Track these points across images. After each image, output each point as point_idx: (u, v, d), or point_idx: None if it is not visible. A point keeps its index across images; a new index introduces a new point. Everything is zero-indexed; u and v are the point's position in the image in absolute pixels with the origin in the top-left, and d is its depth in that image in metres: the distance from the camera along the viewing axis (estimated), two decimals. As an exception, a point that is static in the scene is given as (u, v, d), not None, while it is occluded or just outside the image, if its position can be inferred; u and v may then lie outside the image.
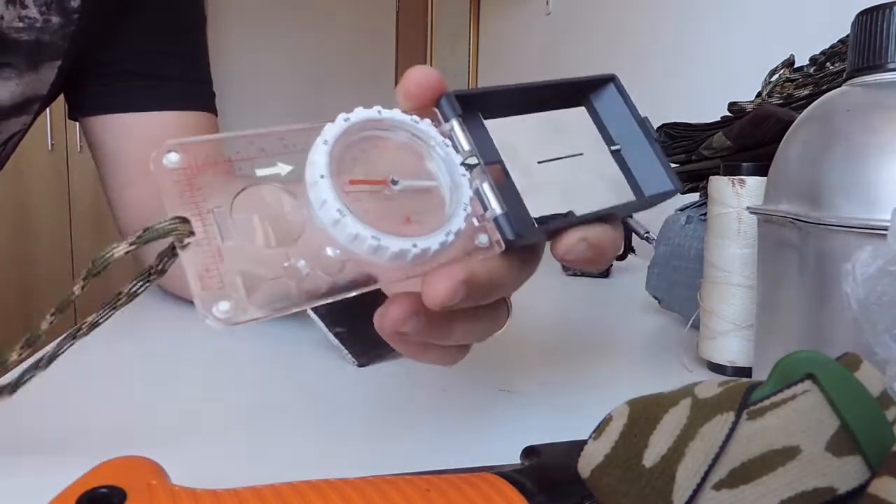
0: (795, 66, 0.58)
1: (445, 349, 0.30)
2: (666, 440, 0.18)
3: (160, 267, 0.25)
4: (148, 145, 0.66)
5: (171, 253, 0.24)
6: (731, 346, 0.44)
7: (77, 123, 0.62)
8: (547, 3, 1.77)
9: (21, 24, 0.50)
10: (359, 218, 0.23)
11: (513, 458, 0.27)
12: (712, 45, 1.07)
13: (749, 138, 0.48)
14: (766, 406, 0.17)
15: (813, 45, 0.56)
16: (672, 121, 0.61)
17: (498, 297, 0.29)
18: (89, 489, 0.19)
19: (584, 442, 0.20)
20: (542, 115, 0.31)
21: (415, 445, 0.32)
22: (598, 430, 0.20)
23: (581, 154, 0.31)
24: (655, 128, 0.61)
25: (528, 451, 0.27)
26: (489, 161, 0.27)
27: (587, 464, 0.19)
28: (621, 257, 0.89)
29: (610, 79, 0.32)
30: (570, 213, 0.29)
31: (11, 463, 0.29)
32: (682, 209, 0.61)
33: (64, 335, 0.26)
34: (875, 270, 0.22)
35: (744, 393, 0.18)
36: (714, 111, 0.59)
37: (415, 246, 0.24)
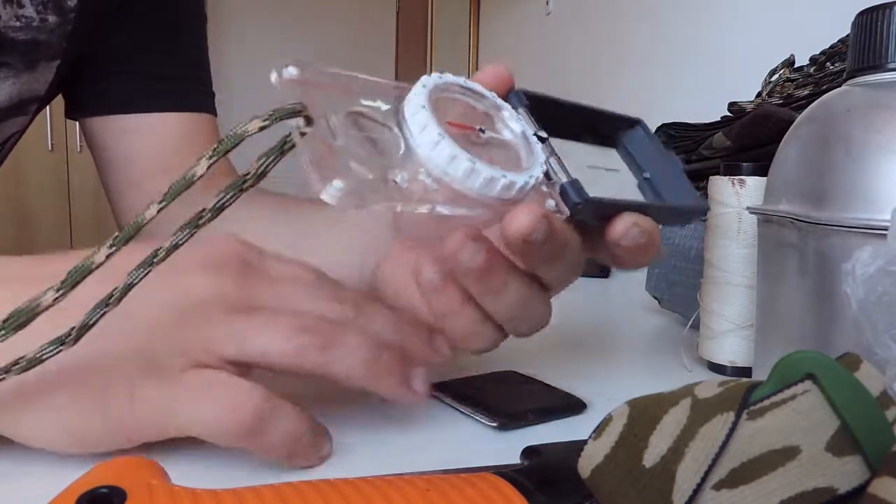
0: (795, 66, 0.58)
1: (483, 319, 0.31)
2: (666, 440, 0.18)
3: (261, 169, 0.24)
4: (149, 147, 0.66)
5: (281, 149, 0.24)
6: (731, 346, 0.44)
7: (77, 123, 0.62)
8: (547, 3, 1.77)
9: (18, 24, 0.50)
10: (468, 151, 0.25)
11: (513, 458, 0.27)
12: (712, 45, 1.07)
13: (749, 138, 0.48)
14: (766, 406, 0.17)
15: (813, 45, 0.56)
16: (672, 121, 0.61)
17: (563, 262, 0.30)
18: (89, 489, 0.19)
19: (584, 442, 0.20)
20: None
21: (415, 445, 0.32)
22: (598, 431, 0.20)
23: (618, 170, 0.34)
24: (655, 128, 0.61)
25: (528, 451, 0.27)
26: (551, 152, 0.30)
27: (587, 464, 0.19)
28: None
29: (637, 121, 0.36)
30: None
31: (12, 463, 0.29)
32: (682, 209, 0.61)
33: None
34: (875, 270, 0.22)
35: (744, 393, 0.18)
36: (714, 111, 0.59)
37: (504, 176, 0.26)
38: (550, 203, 0.28)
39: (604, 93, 1.42)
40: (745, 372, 0.43)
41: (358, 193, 0.23)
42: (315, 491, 0.21)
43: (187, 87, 0.61)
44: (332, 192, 0.22)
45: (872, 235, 0.27)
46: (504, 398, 0.36)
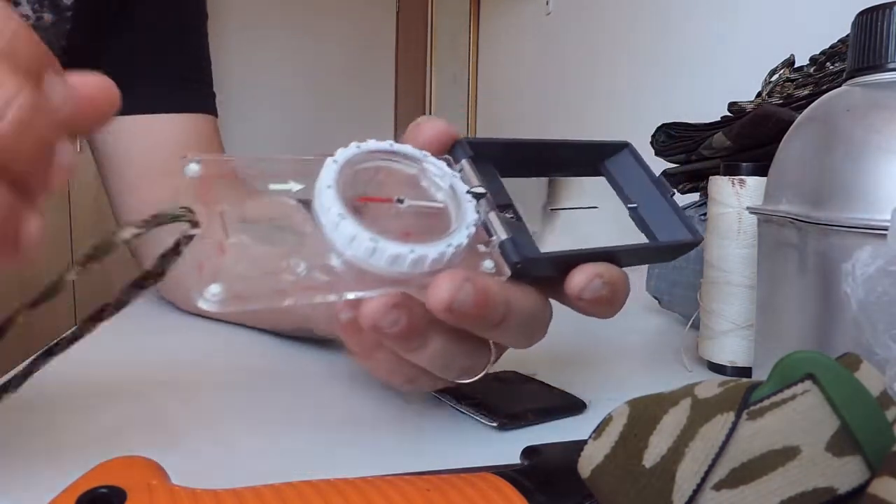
0: (795, 66, 0.58)
1: (402, 361, 0.29)
2: (666, 440, 0.18)
3: (161, 268, 0.24)
4: (149, 148, 0.65)
5: (175, 251, 0.24)
6: (731, 346, 0.44)
7: None
8: (547, 3, 1.77)
9: None
10: (369, 229, 0.24)
11: (513, 458, 0.27)
12: (712, 45, 1.07)
13: (749, 138, 0.48)
14: (766, 406, 0.17)
15: (813, 45, 0.56)
16: (672, 121, 0.61)
17: (509, 323, 0.27)
18: (89, 489, 0.19)
19: (584, 442, 0.20)
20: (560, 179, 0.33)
21: (414, 445, 0.32)
22: (598, 431, 0.20)
23: (595, 208, 0.33)
24: (656, 127, 0.61)
25: (528, 451, 0.27)
26: (499, 203, 0.28)
27: (587, 464, 0.19)
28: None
29: (624, 145, 0.34)
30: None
31: (12, 463, 0.29)
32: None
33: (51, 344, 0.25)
34: (875, 270, 0.22)
35: (744, 393, 0.18)
36: (714, 111, 0.59)
37: (412, 251, 0.25)
38: (487, 264, 0.27)
39: (604, 93, 1.43)
40: (745, 372, 0.43)
41: (241, 296, 0.22)
42: (315, 491, 0.21)
43: (186, 89, 0.61)
44: (208, 297, 0.22)
45: (872, 235, 0.27)
46: (504, 398, 0.36)
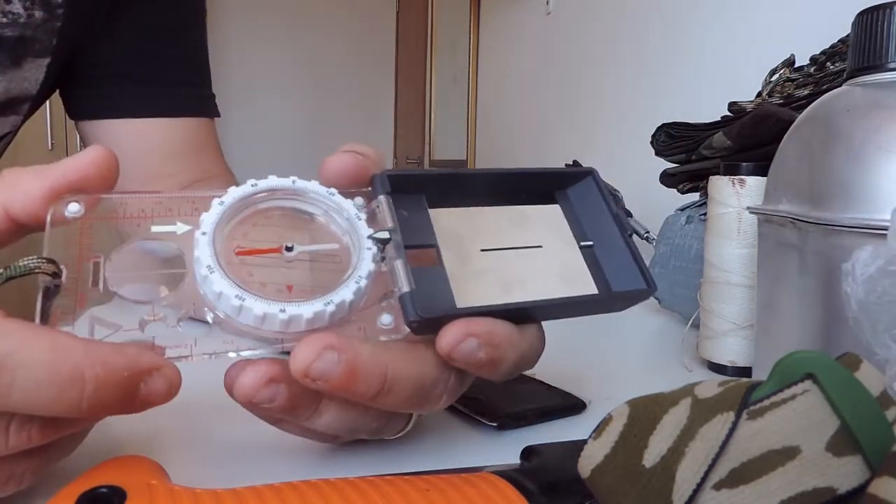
0: (795, 66, 0.58)
1: (313, 431, 0.27)
2: (666, 440, 0.18)
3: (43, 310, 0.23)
4: (143, 153, 0.64)
5: (46, 294, 0.23)
6: (731, 346, 0.44)
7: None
8: (547, 3, 1.77)
9: (5, 20, 0.49)
10: (234, 279, 0.23)
11: (513, 458, 0.27)
12: (712, 45, 1.07)
13: (749, 138, 0.48)
14: (766, 406, 0.17)
15: (813, 45, 0.56)
16: (672, 121, 0.61)
17: (373, 398, 0.24)
18: (89, 489, 0.19)
19: (584, 442, 0.20)
20: (507, 208, 0.29)
21: (414, 445, 0.32)
22: (598, 430, 0.20)
23: (539, 247, 0.29)
24: (655, 128, 0.61)
25: (528, 451, 0.27)
26: (421, 244, 0.26)
27: (587, 464, 0.19)
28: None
29: (588, 172, 0.30)
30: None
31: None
32: (682, 209, 0.61)
33: None
34: (875, 270, 0.22)
35: (744, 393, 0.18)
36: (714, 111, 0.59)
37: (282, 311, 0.23)
38: (385, 319, 0.25)
39: (604, 93, 1.43)
40: (745, 372, 0.43)
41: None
42: (315, 491, 0.21)
43: (181, 92, 0.60)
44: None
45: (872, 235, 0.27)
46: (504, 398, 0.36)
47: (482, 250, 0.27)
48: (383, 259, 0.25)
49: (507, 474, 0.23)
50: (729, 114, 0.55)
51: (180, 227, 0.24)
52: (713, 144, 0.52)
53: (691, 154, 0.57)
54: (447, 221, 0.27)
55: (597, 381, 0.42)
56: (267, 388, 0.23)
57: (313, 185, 0.26)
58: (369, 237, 0.25)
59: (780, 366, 0.18)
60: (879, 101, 0.29)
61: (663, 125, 0.61)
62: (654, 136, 0.62)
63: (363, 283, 0.24)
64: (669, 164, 0.63)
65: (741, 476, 0.17)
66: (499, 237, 0.28)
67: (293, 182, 0.26)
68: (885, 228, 0.24)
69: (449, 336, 0.24)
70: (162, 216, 0.24)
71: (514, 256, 0.28)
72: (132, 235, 0.24)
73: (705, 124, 0.56)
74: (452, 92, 2.76)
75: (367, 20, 3.20)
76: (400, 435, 0.30)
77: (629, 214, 0.88)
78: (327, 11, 3.13)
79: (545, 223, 0.30)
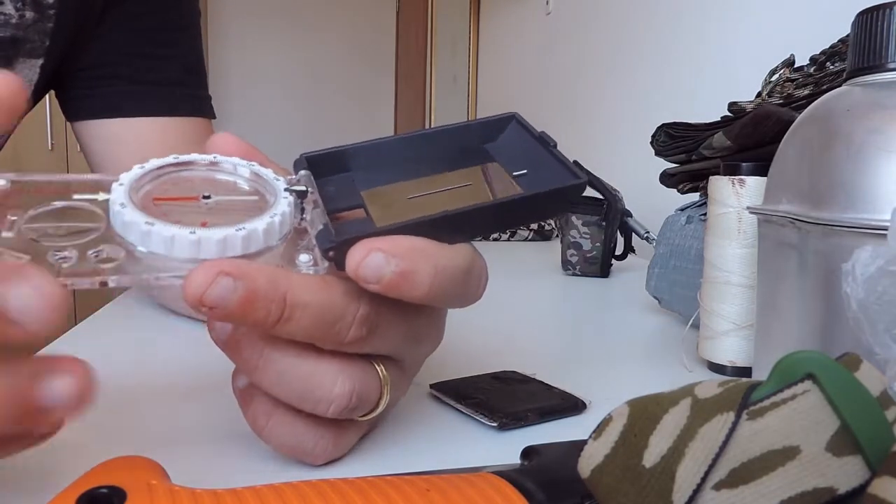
0: (795, 66, 0.58)
1: (298, 423, 0.27)
2: (666, 440, 0.18)
3: None
4: (138, 152, 0.65)
5: None
6: (731, 346, 0.44)
7: None
8: (547, 3, 1.77)
9: None
10: (146, 213, 0.24)
11: (513, 458, 0.27)
12: (712, 45, 1.07)
13: (749, 138, 0.48)
14: (766, 406, 0.17)
15: (813, 45, 0.56)
16: (672, 121, 0.61)
17: (273, 324, 0.23)
18: (89, 489, 0.19)
19: (584, 442, 0.20)
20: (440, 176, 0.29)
21: (414, 445, 0.32)
22: (598, 430, 0.20)
23: (469, 184, 0.29)
24: (655, 128, 0.61)
25: (528, 451, 0.27)
26: (347, 206, 0.27)
27: (587, 464, 0.19)
28: (621, 257, 0.89)
29: (511, 117, 0.31)
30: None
31: (11, 463, 0.29)
32: (682, 209, 0.61)
33: None
34: (875, 270, 0.22)
35: (744, 393, 0.18)
36: (714, 111, 0.59)
37: (192, 233, 0.23)
38: (303, 258, 0.25)
39: (604, 93, 1.43)
40: (745, 372, 0.43)
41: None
42: (315, 491, 0.21)
43: (176, 92, 0.60)
44: None
45: (872, 235, 0.27)
46: (504, 398, 0.36)
47: (409, 198, 0.28)
48: (303, 215, 0.26)
49: (507, 474, 0.23)
50: (729, 114, 0.55)
51: (101, 196, 0.25)
52: (713, 144, 0.52)
53: (691, 154, 0.57)
54: (376, 191, 0.28)
55: (597, 381, 0.42)
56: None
57: (234, 159, 0.28)
58: (286, 189, 0.26)
59: (780, 366, 0.18)
60: (879, 101, 0.29)
61: (663, 125, 0.61)
62: (654, 136, 0.62)
63: (276, 218, 0.25)
64: (669, 164, 0.63)
65: (741, 476, 0.17)
66: (427, 187, 0.29)
67: (214, 157, 0.27)
68: (885, 228, 0.24)
69: (355, 254, 0.23)
70: (85, 191, 0.25)
71: (444, 195, 0.28)
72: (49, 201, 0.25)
73: (705, 124, 0.56)
74: (452, 92, 2.77)
75: (367, 20, 3.20)
76: (375, 413, 0.28)
77: (629, 214, 0.88)
78: (327, 11, 3.13)
79: (476, 170, 0.30)
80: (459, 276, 0.26)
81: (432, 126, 0.30)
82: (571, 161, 0.28)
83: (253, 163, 0.28)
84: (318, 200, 0.26)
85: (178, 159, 0.27)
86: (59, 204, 0.25)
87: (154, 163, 0.26)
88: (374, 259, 0.23)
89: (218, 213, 0.25)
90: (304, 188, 0.26)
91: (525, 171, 0.29)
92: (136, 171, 0.26)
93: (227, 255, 0.24)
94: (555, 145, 0.29)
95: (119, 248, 0.24)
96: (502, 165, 0.30)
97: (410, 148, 0.29)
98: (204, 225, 0.24)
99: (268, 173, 0.27)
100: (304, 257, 0.25)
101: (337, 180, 0.28)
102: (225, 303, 0.22)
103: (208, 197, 0.26)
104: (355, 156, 0.29)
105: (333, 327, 0.25)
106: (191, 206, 0.25)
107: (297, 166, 0.28)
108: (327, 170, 0.28)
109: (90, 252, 0.23)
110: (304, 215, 0.26)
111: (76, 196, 0.25)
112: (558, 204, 0.29)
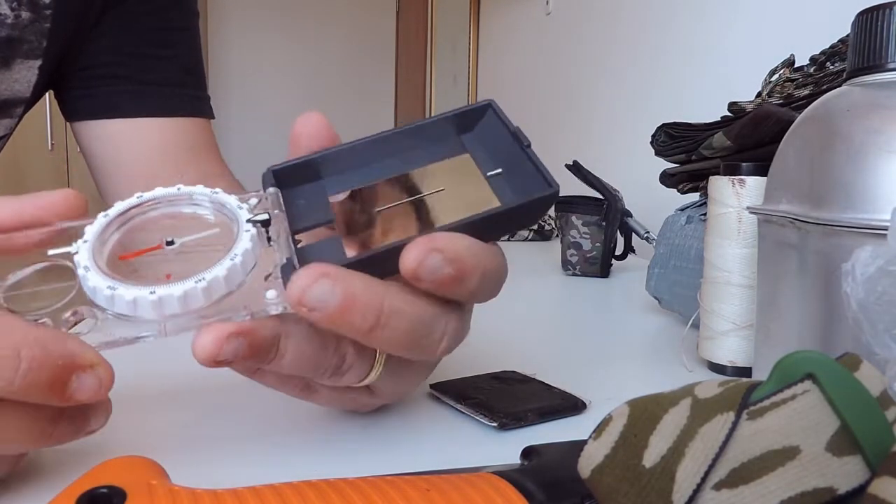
0: (795, 66, 0.58)
1: (286, 378, 0.28)
2: (666, 440, 0.18)
3: None
4: (137, 153, 0.64)
5: None
6: (731, 346, 0.44)
7: None
8: (547, 3, 1.77)
9: None
10: (111, 275, 0.24)
11: (513, 458, 0.27)
12: (712, 45, 1.07)
13: (749, 138, 0.48)
14: (766, 406, 0.17)
15: (813, 45, 0.56)
16: (672, 121, 0.61)
17: (391, 331, 0.24)
18: (89, 489, 0.19)
19: (584, 442, 0.20)
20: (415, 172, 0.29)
21: (414, 445, 0.32)
22: (598, 431, 0.20)
23: (442, 190, 0.29)
24: (656, 127, 0.61)
25: (528, 451, 0.27)
26: (317, 223, 0.27)
27: (587, 464, 0.19)
28: (621, 257, 0.89)
29: (487, 106, 0.30)
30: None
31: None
32: (682, 209, 0.61)
33: None
34: (875, 270, 0.22)
35: (744, 393, 0.18)
36: (714, 111, 0.59)
37: (152, 293, 0.24)
38: (269, 295, 0.25)
39: (604, 93, 1.43)
40: (745, 372, 0.43)
41: None
42: (315, 491, 0.21)
43: (175, 93, 0.59)
44: None
45: (872, 235, 0.27)
46: (504, 398, 0.36)
47: (377, 211, 0.28)
48: (270, 241, 0.26)
49: (507, 474, 0.23)
50: (729, 114, 0.55)
51: (75, 247, 0.25)
52: (713, 144, 0.52)
53: (691, 154, 0.57)
54: (347, 201, 0.28)
55: (597, 381, 0.42)
56: (229, 343, 0.24)
57: (198, 188, 0.27)
58: (248, 220, 0.26)
59: (780, 366, 0.18)
60: (879, 101, 0.29)
61: (663, 125, 0.61)
62: (653, 136, 0.62)
63: (238, 259, 0.25)
64: (669, 164, 0.63)
65: (741, 476, 0.17)
66: (399, 195, 0.29)
67: (178, 189, 0.27)
68: (885, 228, 0.24)
69: (413, 252, 0.23)
70: (60, 243, 0.26)
71: (417, 204, 0.28)
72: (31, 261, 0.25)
73: (705, 124, 0.56)
74: (452, 92, 2.77)
75: (367, 20, 3.20)
76: (365, 381, 0.29)
77: (629, 214, 0.88)
78: (327, 12, 3.13)
79: (450, 168, 0.29)
80: (502, 276, 0.27)
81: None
82: (546, 169, 0.28)
83: (217, 190, 0.27)
84: (283, 227, 0.26)
85: (141, 199, 0.27)
86: (35, 267, 0.25)
87: (118, 207, 0.27)
88: (434, 259, 0.24)
89: (183, 258, 0.26)
90: (266, 216, 0.26)
91: (500, 170, 0.29)
92: (101, 220, 0.26)
93: (190, 308, 0.24)
94: (528, 145, 0.28)
95: (92, 310, 0.25)
96: (477, 164, 0.29)
97: (385, 147, 0.29)
98: (168, 278, 0.24)
99: (231, 201, 0.27)
100: (270, 294, 0.25)
101: (307, 191, 0.28)
102: (324, 305, 0.23)
103: (172, 242, 0.26)
104: (325, 163, 0.28)
105: (426, 339, 0.25)
106: (156, 256, 0.26)
107: (265, 181, 0.27)
108: (298, 180, 0.28)
109: (65, 316, 0.24)
110: (271, 243, 0.26)
111: (50, 252, 0.25)
112: (532, 213, 0.28)
